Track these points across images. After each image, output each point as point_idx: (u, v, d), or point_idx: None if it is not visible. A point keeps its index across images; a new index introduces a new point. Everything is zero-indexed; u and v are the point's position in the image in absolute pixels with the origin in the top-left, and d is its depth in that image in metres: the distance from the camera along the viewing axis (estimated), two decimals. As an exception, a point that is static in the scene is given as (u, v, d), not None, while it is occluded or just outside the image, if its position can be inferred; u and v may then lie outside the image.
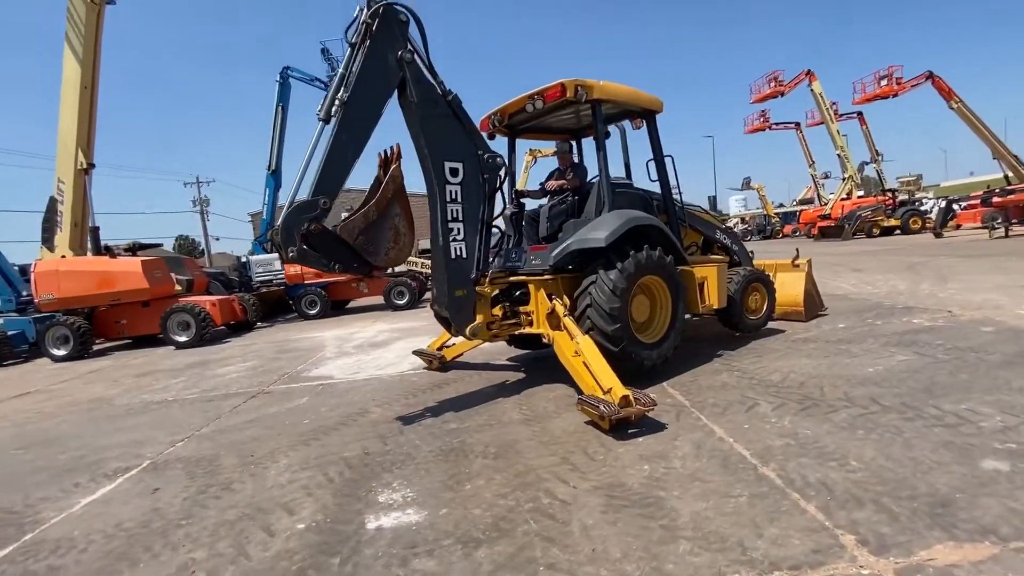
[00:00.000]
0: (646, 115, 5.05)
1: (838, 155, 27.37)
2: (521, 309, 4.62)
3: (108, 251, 10.36)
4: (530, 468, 2.95)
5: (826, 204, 28.47)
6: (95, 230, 10.41)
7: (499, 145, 5.30)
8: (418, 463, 3.19)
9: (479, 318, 4.22)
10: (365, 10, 3.68)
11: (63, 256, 10.02)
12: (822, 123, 27.33)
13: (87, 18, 9.75)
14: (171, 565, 2.34)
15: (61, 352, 9.27)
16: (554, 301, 4.23)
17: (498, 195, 4.27)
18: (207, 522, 2.71)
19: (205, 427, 4.43)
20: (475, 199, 4.08)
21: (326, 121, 3.61)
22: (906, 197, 27.84)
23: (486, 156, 4.11)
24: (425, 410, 4.25)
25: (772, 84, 28.33)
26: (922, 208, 25.71)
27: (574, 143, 5.74)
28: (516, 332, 4.74)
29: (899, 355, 4.40)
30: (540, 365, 5.43)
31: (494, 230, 4.52)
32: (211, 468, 3.46)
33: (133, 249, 11.90)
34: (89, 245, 10.35)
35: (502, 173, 4.19)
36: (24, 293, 10.35)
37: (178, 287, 10.78)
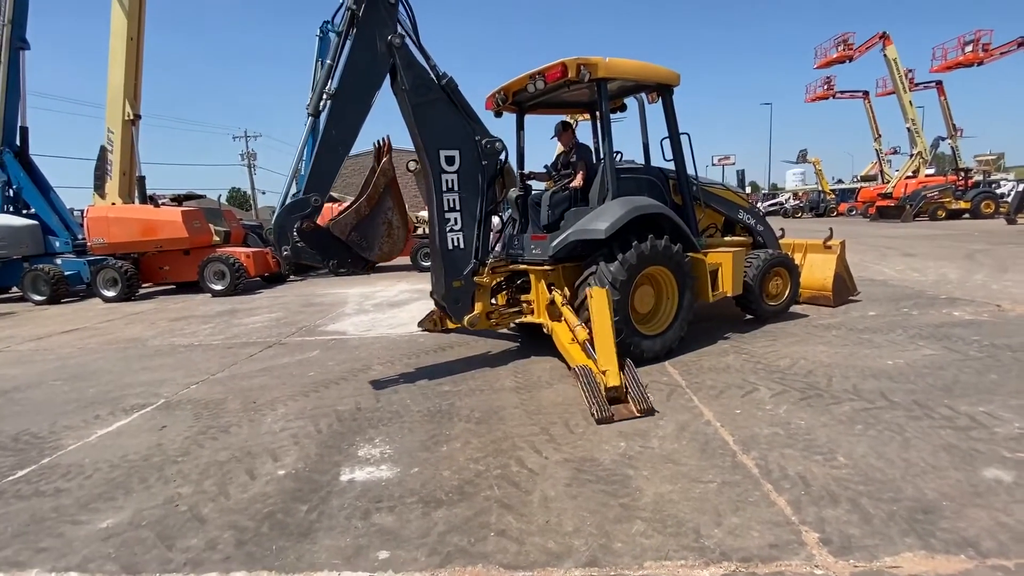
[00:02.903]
0: (661, 89, 4.68)
1: (908, 128, 25.17)
2: (523, 298, 4.54)
3: (152, 200, 10.87)
4: (508, 435, 2.96)
5: (888, 182, 26.42)
6: (141, 179, 10.93)
7: (507, 122, 5.13)
8: (404, 422, 3.27)
9: (478, 307, 4.15)
10: None
11: (113, 203, 10.63)
12: (893, 93, 25.06)
13: (132, -32, 9.95)
14: (159, 496, 2.52)
15: (111, 293, 9.94)
16: (554, 292, 4.14)
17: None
18: (200, 461, 2.89)
19: (220, 372, 4.69)
20: (473, 187, 3.94)
21: (315, 116, 3.54)
22: (981, 178, 25.43)
23: (484, 142, 3.92)
24: (423, 371, 4.32)
25: (840, 48, 26.00)
26: (998, 191, 23.44)
27: (572, 120, 5.40)
28: (517, 321, 4.68)
29: (926, 349, 4.10)
30: (545, 336, 5.38)
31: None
32: (216, 411, 3.67)
33: (179, 199, 12.48)
34: (136, 194, 10.89)
35: (503, 158, 4.01)
36: (79, 236, 11.06)
37: (216, 238, 11.25)
